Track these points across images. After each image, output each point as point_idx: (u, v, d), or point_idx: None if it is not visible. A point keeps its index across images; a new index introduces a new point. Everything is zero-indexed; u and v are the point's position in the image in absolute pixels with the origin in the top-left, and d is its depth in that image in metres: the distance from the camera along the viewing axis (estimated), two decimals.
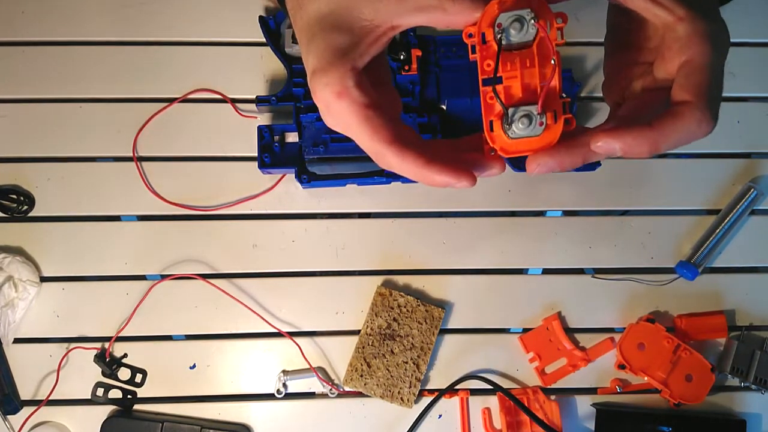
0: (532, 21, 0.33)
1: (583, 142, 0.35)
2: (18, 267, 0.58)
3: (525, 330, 0.61)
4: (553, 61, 0.34)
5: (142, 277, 0.61)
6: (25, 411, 0.58)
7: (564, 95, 0.35)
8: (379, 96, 0.37)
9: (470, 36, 0.35)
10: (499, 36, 0.33)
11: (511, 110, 0.34)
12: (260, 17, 0.60)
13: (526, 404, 0.57)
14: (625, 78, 0.39)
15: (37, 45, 0.63)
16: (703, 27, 0.35)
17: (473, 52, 0.35)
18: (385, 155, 0.36)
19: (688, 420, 0.58)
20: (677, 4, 0.35)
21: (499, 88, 0.35)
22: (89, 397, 0.58)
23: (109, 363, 0.58)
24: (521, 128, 0.34)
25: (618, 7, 0.38)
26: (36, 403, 0.58)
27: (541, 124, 0.34)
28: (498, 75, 0.34)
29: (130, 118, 0.62)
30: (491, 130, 0.36)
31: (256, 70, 0.63)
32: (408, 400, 0.58)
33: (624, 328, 0.59)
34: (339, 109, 0.35)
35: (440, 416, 0.60)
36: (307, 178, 0.58)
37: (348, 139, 0.57)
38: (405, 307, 0.59)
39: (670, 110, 0.34)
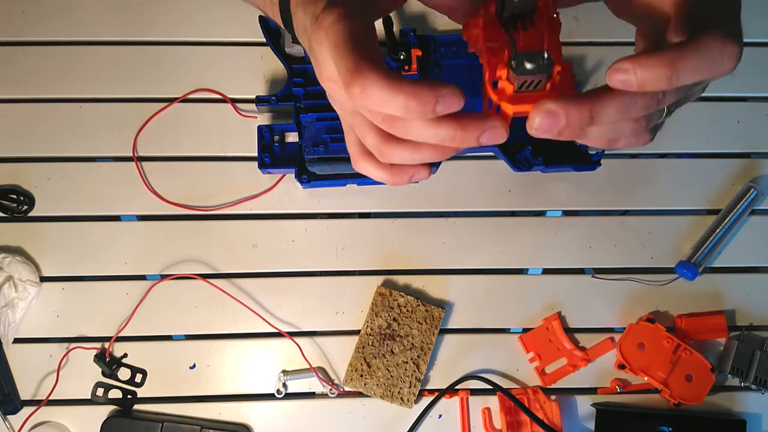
0: None
1: (591, 93, 0.33)
2: (18, 267, 0.58)
3: (525, 330, 0.61)
4: (557, 21, 0.35)
5: (142, 277, 0.61)
6: (25, 411, 0.58)
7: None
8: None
9: (468, 28, 0.37)
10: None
11: (519, 52, 0.34)
12: (260, 17, 0.60)
13: (526, 404, 0.57)
14: None
15: (37, 45, 0.63)
16: None
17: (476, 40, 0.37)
18: (394, 98, 0.32)
19: (688, 420, 0.58)
20: None
21: (501, 45, 0.35)
22: (89, 397, 0.58)
23: (109, 363, 0.58)
24: (529, 66, 0.33)
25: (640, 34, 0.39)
26: (36, 403, 0.58)
27: (548, 65, 0.33)
28: (500, 24, 0.35)
29: (130, 118, 0.62)
30: (495, 87, 0.36)
31: (256, 70, 0.63)
32: (408, 400, 0.58)
33: (624, 328, 0.59)
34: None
35: (440, 416, 0.60)
36: (307, 178, 0.58)
37: None
38: (405, 307, 0.59)
39: (693, 39, 0.32)
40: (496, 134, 0.35)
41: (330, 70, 0.35)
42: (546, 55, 0.33)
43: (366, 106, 0.33)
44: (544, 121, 0.33)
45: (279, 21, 0.42)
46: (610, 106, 0.33)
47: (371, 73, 0.31)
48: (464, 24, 0.37)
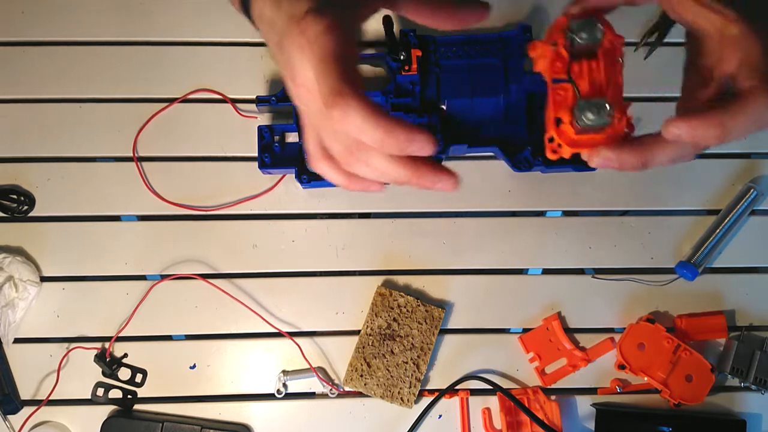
0: (599, 25, 0.37)
1: (645, 143, 0.37)
2: (18, 267, 0.58)
3: (525, 330, 0.61)
4: (620, 60, 0.38)
5: (142, 277, 0.61)
6: (26, 411, 0.58)
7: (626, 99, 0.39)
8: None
9: (535, 47, 0.40)
10: (571, 37, 0.38)
11: (582, 101, 0.37)
12: None
13: (526, 404, 0.57)
14: (694, 99, 0.40)
15: (37, 45, 0.63)
16: (753, 25, 0.36)
17: (535, 61, 0.40)
18: (361, 118, 0.33)
19: (688, 420, 0.58)
20: (727, 8, 0.37)
21: (567, 86, 0.38)
22: (89, 397, 0.58)
23: (109, 363, 0.58)
24: (591, 117, 0.36)
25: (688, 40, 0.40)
26: (36, 403, 0.58)
27: (609, 116, 0.36)
28: (568, 75, 0.38)
29: (130, 118, 0.62)
30: (558, 125, 0.39)
31: (256, 70, 0.63)
32: (408, 400, 0.58)
33: (624, 328, 0.59)
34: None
35: (440, 416, 0.60)
36: (307, 178, 0.58)
37: None
38: (405, 307, 0.59)
39: (736, 96, 0.35)
40: (448, 187, 0.37)
41: (305, 78, 0.35)
42: (608, 107, 0.36)
43: (342, 129, 0.34)
44: (601, 163, 0.38)
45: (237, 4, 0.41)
46: (660, 155, 0.37)
47: (353, 99, 0.32)
48: (531, 44, 0.40)
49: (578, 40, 0.38)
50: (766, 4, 0.38)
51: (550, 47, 0.39)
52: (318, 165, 0.40)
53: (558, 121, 0.39)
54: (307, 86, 0.35)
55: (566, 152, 0.40)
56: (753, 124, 0.36)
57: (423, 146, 0.33)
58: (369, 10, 0.38)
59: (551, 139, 0.40)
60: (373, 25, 0.63)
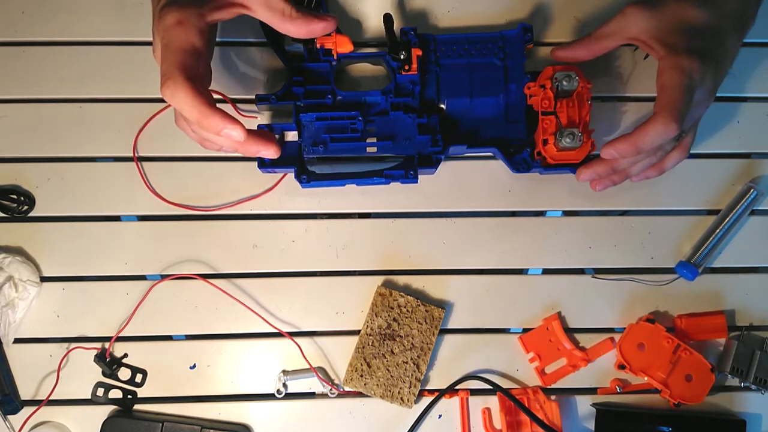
0: (576, 77, 0.54)
1: (598, 161, 0.56)
2: (18, 267, 0.58)
3: (525, 330, 0.61)
4: (589, 102, 0.55)
5: (142, 277, 0.61)
6: (26, 411, 0.58)
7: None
8: (207, 59, 0.46)
9: (530, 87, 0.58)
10: (556, 84, 0.55)
11: (563, 130, 0.54)
12: None
13: (526, 404, 0.57)
14: None
15: (37, 45, 0.63)
16: (675, 62, 0.48)
17: (530, 97, 0.58)
18: (203, 114, 0.43)
19: (688, 420, 0.58)
20: (660, 46, 0.50)
21: (552, 117, 0.56)
22: (89, 397, 0.58)
23: (109, 363, 0.58)
24: (568, 141, 0.54)
25: None
26: (36, 403, 0.58)
27: (580, 140, 0.54)
28: (554, 110, 0.56)
29: (130, 118, 0.62)
30: (544, 144, 0.56)
31: (256, 70, 0.63)
32: (408, 400, 0.58)
33: (624, 328, 0.59)
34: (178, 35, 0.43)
35: (440, 416, 0.60)
36: (306, 178, 0.58)
37: (348, 140, 0.57)
38: (405, 307, 0.59)
39: (648, 119, 0.49)
40: (270, 155, 0.49)
41: (156, 54, 0.45)
42: (579, 134, 0.54)
43: (171, 104, 0.43)
44: (585, 178, 0.57)
45: None
46: (606, 166, 0.56)
47: (181, 84, 0.41)
48: (526, 85, 0.58)
49: (561, 85, 0.54)
50: (708, 46, 0.49)
51: (540, 89, 0.56)
52: (179, 123, 0.49)
53: (545, 141, 0.55)
54: (157, 61, 0.45)
55: (551, 162, 0.57)
56: (657, 139, 0.48)
57: (232, 134, 0.43)
58: (221, 13, 0.46)
59: (539, 153, 0.57)
60: (374, 24, 0.63)
